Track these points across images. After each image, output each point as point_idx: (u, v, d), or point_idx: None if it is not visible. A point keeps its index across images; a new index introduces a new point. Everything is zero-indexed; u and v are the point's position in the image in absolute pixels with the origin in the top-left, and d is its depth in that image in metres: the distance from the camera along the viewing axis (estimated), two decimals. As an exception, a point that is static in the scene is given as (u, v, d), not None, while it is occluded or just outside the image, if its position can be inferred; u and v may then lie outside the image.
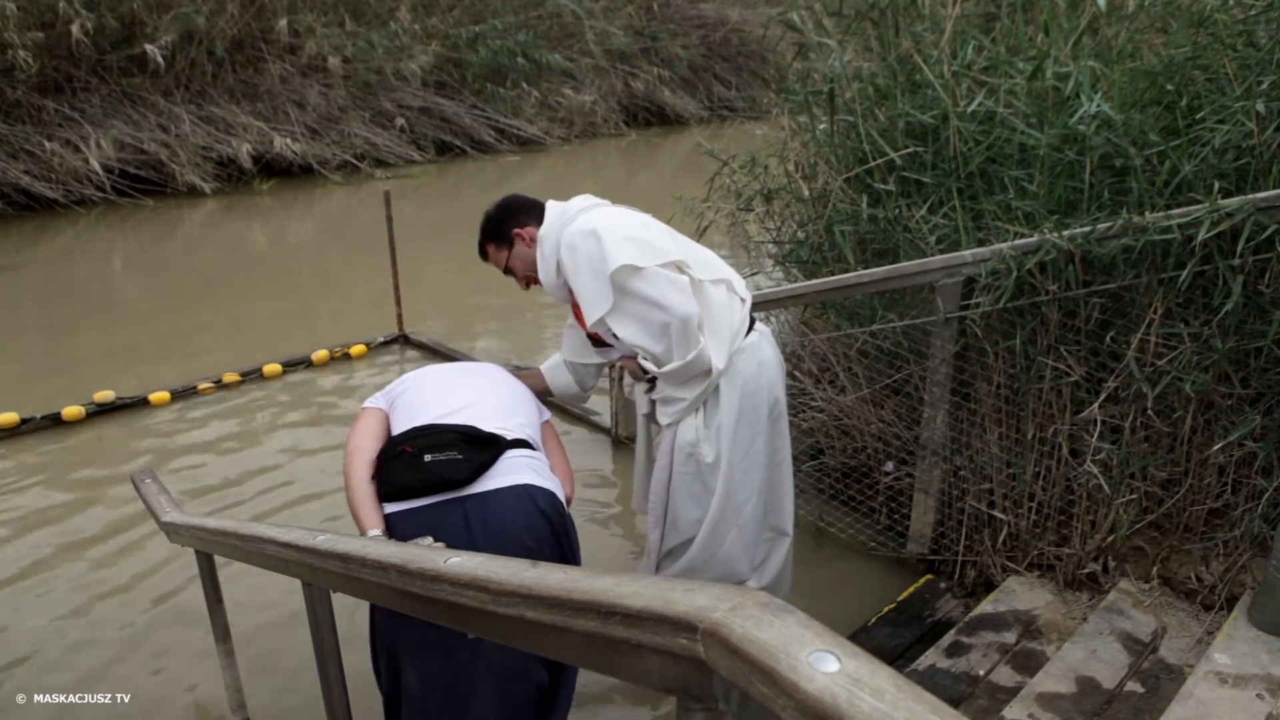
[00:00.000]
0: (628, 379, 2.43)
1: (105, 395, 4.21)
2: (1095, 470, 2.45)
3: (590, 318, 2.04)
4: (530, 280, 2.24)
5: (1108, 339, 2.41)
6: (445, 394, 1.91)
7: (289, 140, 10.10)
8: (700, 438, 2.14)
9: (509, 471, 1.74)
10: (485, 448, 1.72)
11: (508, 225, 2.18)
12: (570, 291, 2.12)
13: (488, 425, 1.79)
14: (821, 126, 3.42)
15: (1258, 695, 1.92)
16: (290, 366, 4.77)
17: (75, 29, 8.54)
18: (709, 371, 2.06)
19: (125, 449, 3.90)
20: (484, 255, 2.27)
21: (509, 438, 1.79)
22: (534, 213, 2.18)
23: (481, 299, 5.94)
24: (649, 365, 2.10)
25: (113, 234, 8.15)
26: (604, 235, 2.00)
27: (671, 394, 2.14)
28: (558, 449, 2.08)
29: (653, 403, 2.26)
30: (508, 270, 2.25)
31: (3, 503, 3.45)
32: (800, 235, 3.59)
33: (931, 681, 2.24)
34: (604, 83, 13.95)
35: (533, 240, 2.16)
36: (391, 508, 1.70)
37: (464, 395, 1.91)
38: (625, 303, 2.02)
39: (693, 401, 2.11)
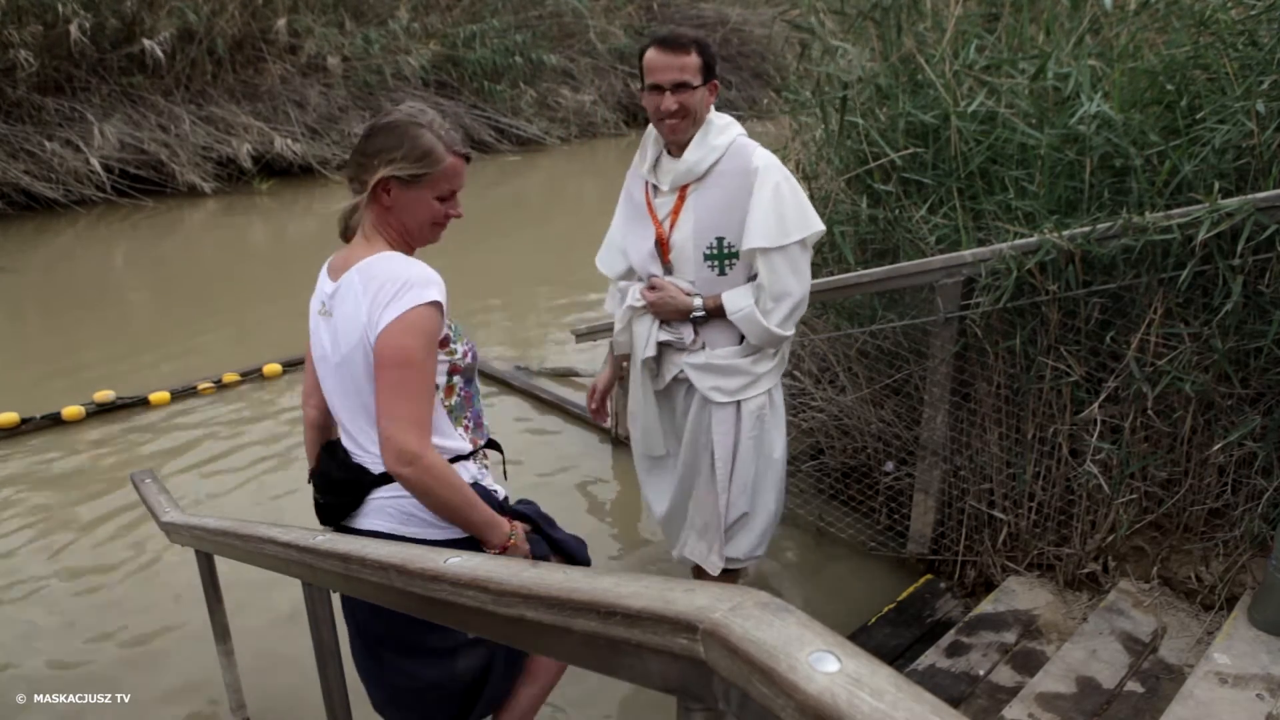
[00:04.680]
0: (638, 301, 2.21)
1: (105, 395, 4.21)
2: (1095, 470, 2.45)
3: (770, 240, 2.04)
4: (678, 113, 2.02)
5: (1108, 339, 2.41)
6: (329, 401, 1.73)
7: (289, 140, 10.10)
8: (763, 404, 2.23)
9: (371, 514, 1.62)
10: (347, 491, 1.64)
11: (715, 70, 2.06)
12: (695, 179, 2.08)
13: (356, 453, 1.65)
14: (822, 129, 3.42)
15: (1258, 695, 1.91)
16: (290, 366, 4.77)
17: (74, 29, 8.52)
18: (775, 351, 2.20)
19: (125, 449, 3.91)
20: (681, 47, 2.00)
21: (376, 472, 1.62)
22: (713, 91, 2.10)
23: (482, 299, 5.94)
24: (741, 307, 2.10)
25: (113, 234, 8.15)
26: (799, 189, 2.09)
27: (736, 364, 2.16)
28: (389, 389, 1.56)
29: (661, 346, 2.20)
30: (679, 85, 1.98)
31: (2, 502, 3.46)
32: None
33: (931, 681, 2.24)
34: (603, 83, 13.96)
35: (711, 104, 2.09)
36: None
37: (336, 406, 1.69)
38: (781, 255, 2.06)
39: (756, 377, 2.17)
